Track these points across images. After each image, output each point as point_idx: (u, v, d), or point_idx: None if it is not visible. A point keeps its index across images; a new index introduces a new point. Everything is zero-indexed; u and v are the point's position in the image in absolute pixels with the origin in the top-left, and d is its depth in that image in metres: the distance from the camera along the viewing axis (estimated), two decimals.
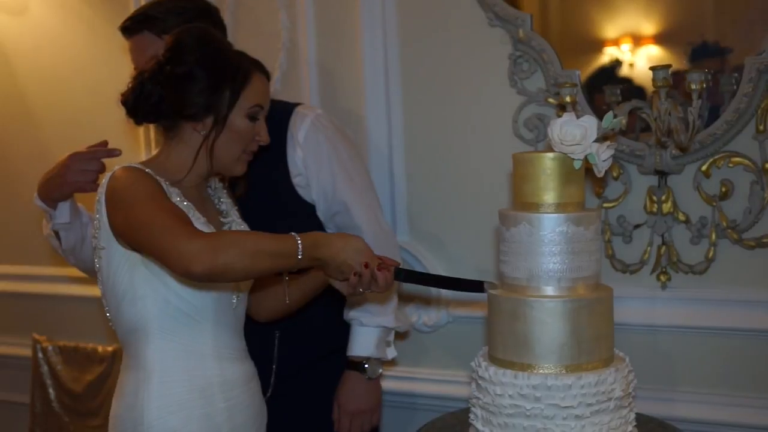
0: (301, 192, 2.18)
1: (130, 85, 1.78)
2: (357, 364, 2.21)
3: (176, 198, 1.72)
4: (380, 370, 2.24)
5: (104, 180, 1.72)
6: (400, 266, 1.73)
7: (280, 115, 2.17)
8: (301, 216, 2.18)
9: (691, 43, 2.22)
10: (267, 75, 1.86)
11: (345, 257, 1.63)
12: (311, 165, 2.16)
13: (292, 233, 1.63)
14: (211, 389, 1.75)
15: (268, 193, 2.15)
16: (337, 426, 2.24)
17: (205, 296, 1.75)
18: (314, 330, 2.20)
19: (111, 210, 1.69)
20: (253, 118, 1.80)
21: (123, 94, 1.79)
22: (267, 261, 1.59)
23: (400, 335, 2.46)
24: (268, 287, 1.95)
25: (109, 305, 1.79)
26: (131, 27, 2.12)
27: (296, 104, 2.26)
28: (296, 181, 2.17)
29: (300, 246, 1.60)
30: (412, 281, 1.78)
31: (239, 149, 1.81)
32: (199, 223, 1.71)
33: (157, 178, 1.71)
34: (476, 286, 1.73)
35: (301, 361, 2.21)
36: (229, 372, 1.78)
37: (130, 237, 1.67)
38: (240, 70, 1.78)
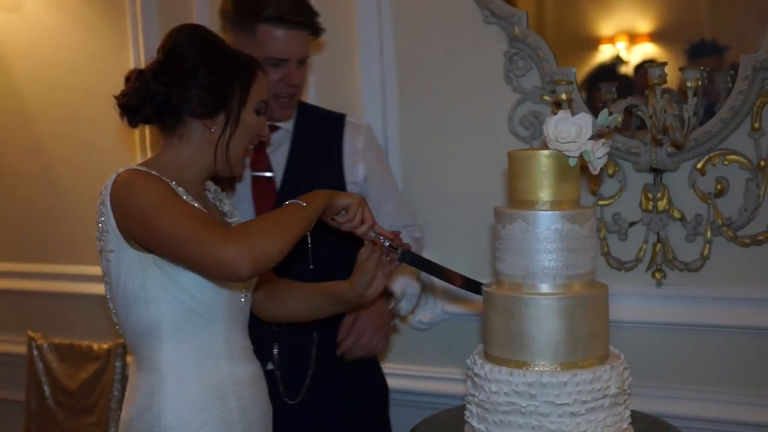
0: None
1: (129, 86, 1.73)
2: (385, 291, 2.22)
3: (183, 197, 1.68)
4: (392, 306, 2.27)
5: (108, 181, 1.67)
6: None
7: (329, 123, 2.24)
8: None
9: (688, 40, 2.22)
10: (263, 69, 1.86)
11: (339, 194, 1.77)
12: (368, 174, 2.26)
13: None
14: (224, 389, 1.73)
15: None
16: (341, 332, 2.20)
17: (218, 295, 1.72)
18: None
19: (121, 216, 1.64)
20: (258, 113, 1.79)
21: (122, 95, 1.73)
22: (291, 228, 1.63)
23: (393, 329, 2.48)
24: (283, 290, 1.95)
25: (119, 308, 1.73)
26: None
27: (342, 114, 2.31)
28: (349, 189, 2.21)
29: (299, 200, 1.68)
30: (416, 266, 1.86)
31: (246, 145, 1.80)
32: None
33: (164, 179, 1.67)
34: (474, 286, 1.80)
35: (335, 363, 2.20)
36: (239, 371, 1.77)
37: (153, 247, 1.64)
38: (246, 67, 1.77)
